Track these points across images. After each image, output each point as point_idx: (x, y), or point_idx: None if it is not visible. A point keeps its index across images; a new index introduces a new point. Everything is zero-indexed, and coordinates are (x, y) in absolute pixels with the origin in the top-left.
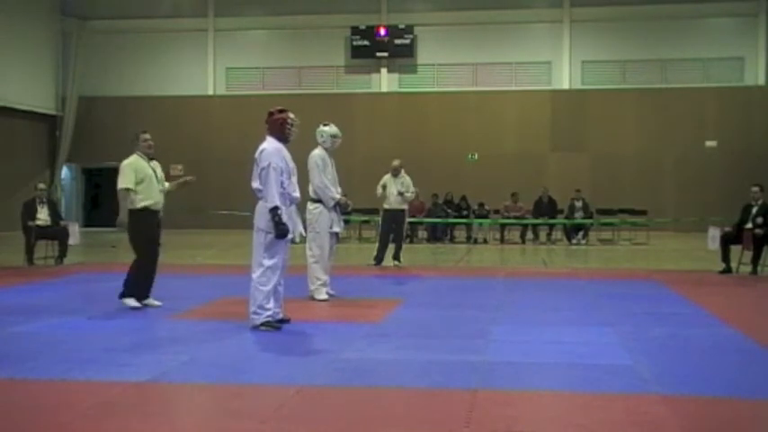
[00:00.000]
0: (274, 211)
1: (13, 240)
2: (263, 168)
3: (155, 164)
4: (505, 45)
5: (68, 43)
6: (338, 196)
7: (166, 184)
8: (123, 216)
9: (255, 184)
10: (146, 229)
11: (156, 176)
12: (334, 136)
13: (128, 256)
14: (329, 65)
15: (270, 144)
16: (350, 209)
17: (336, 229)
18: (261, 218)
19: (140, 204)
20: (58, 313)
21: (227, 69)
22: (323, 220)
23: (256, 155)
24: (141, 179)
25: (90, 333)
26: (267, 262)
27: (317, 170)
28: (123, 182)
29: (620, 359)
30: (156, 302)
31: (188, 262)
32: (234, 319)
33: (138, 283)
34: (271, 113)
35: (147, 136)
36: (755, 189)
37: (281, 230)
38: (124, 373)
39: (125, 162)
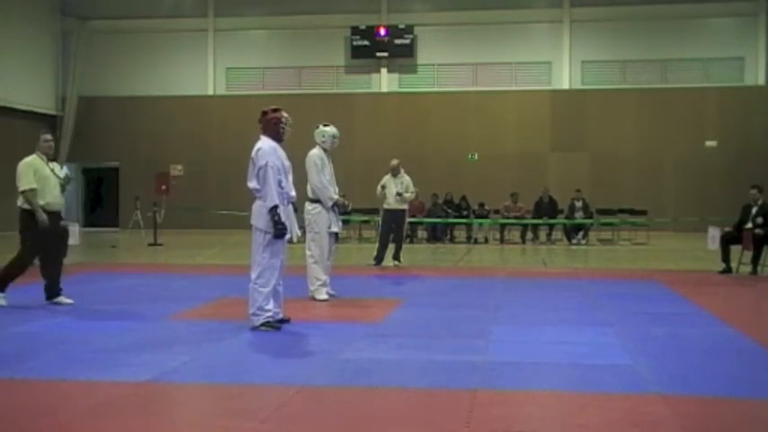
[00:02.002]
0: (274, 210)
1: (13, 240)
2: (260, 167)
3: (54, 165)
4: (505, 45)
5: (68, 43)
6: (336, 196)
7: (65, 179)
8: (41, 215)
9: (252, 184)
10: (38, 228)
11: (58, 177)
12: (334, 136)
13: (128, 257)
14: (329, 65)
15: (265, 143)
16: (349, 209)
17: (335, 229)
18: (259, 218)
19: (38, 204)
20: (58, 313)
21: (227, 69)
22: (322, 220)
23: (252, 154)
24: (38, 179)
25: (90, 333)
26: (266, 262)
27: (316, 170)
28: (24, 183)
29: (620, 359)
30: (68, 300)
31: (188, 262)
32: (234, 319)
33: (10, 280)
34: (264, 113)
35: (49, 137)
36: (754, 191)
37: (279, 230)
38: (124, 373)
39: (23, 161)
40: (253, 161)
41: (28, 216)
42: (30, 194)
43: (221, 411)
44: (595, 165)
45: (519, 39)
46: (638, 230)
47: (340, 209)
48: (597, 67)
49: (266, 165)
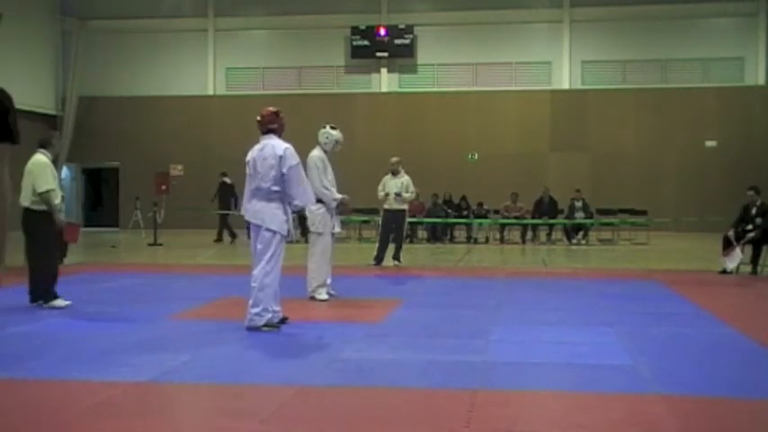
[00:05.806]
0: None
1: (13, 240)
2: (291, 167)
3: None
4: (505, 45)
5: (68, 43)
6: (339, 196)
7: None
8: (60, 216)
9: (268, 185)
10: (53, 229)
11: None
12: (338, 141)
13: (128, 257)
14: (329, 65)
15: (286, 143)
16: (349, 211)
17: (338, 229)
18: (273, 219)
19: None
20: (58, 313)
21: (227, 69)
22: (325, 220)
23: (280, 152)
24: (54, 179)
25: (90, 333)
26: (278, 263)
27: (317, 172)
28: (44, 183)
29: (620, 359)
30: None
31: (188, 262)
32: (234, 319)
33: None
34: (278, 114)
35: (60, 141)
36: (751, 193)
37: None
38: (124, 373)
39: (41, 161)
40: (281, 160)
41: (40, 216)
42: (49, 195)
43: (221, 411)
44: (595, 165)
45: (519, 39)
46: (638, 230)
47: (340, 211)
48: (597, 67)
49: (298, 164)
